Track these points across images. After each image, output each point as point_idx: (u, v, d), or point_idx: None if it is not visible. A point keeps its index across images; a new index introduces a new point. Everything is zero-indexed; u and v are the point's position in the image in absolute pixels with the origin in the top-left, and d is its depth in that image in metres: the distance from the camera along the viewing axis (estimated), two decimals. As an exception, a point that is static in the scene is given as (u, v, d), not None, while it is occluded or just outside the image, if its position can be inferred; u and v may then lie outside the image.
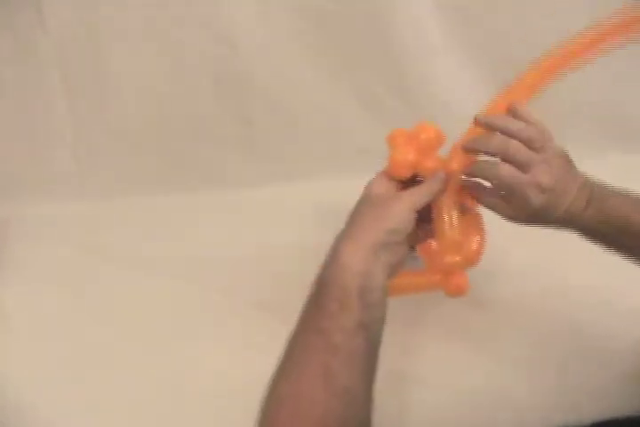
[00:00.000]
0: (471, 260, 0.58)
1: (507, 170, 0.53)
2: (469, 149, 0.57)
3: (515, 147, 0.53)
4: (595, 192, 0.55)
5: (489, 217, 0.57)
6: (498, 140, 0.54)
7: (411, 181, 0.58)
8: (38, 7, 0.75)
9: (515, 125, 0.54)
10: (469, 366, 0.62)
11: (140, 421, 0.59)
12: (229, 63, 0.83)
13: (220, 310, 0.70)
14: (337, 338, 0.46)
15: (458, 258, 0.58)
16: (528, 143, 0.54)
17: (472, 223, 0.59)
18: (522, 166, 0.53)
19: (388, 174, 0.57)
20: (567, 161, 0.55)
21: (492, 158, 0.55)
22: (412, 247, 0.57)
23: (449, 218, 0.57)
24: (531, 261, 0.73)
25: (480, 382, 0.61)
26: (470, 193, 0.58)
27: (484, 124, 0.56)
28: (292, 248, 0.77)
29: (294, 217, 0.82)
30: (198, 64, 0.83)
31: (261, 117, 0.87)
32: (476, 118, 0.57)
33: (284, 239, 0.79)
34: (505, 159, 0.54)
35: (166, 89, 0.83)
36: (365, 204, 0.55)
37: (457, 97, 0.90)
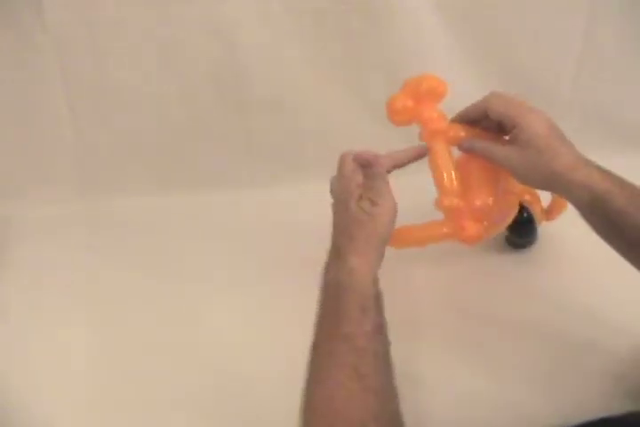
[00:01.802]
0: (475, 213, 0.60)
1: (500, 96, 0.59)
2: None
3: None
4: (598, 165, 0.56)
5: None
6: None
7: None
8: (38, 7, 0.75)
9: None
10: (468, 370, 0.62)
11: (140, 421, 0.59)
12: (229, 63, 0.83)
13: (220, 310, 0.70)
14: (361, 342, 0.49)
15: (456, 200, 0.58)
16: None
17: (502, 199, 0.62)
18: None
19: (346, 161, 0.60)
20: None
21: None
22: None
23: (444, 165, 0.60)
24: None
25: (479, 386, 0.61)
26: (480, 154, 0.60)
27: None
28: (292, 248, 0.77)
29: (294, 217, 0.82)
30: (198, 64, 0.83)
31: (261, 118, 0.87)
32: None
33: (284, 239, 0.79)
34: None
35: (166, 89, 0.83)
36: (349, 201, 0.57)
37: (457, 97, 0.90)
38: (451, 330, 0.66)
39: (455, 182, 0.60)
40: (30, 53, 0.78)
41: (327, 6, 0.81)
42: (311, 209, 0.83)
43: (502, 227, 0.67)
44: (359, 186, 0.58)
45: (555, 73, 0.92)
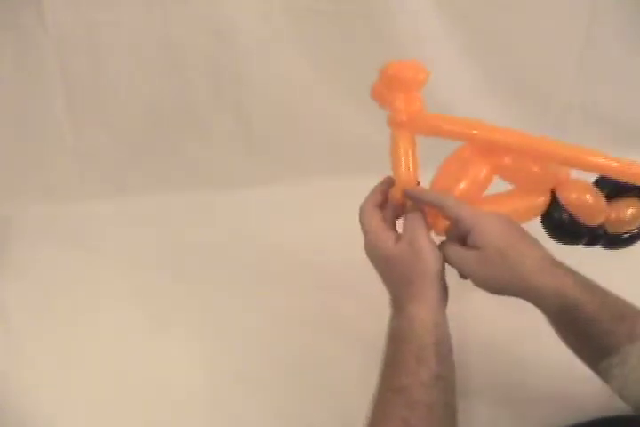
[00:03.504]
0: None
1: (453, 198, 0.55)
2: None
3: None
4: (570, 268, 0.52)
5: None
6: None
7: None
8: (39, 7, 0.75)
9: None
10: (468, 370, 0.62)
11: (141, 421, 0.59)
12: (229, 63, 0.83)
13: (220, 311, 0.70)
14: (416, 394, 0.48)
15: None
16: None
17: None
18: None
19: (370, 207, 0.57)
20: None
21: None
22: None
23: (402, 157, 0.58)
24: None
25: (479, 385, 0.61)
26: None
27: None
28: (292, 248, 0.77)
29: (294, 217, 0.82)
30: (198, 64, 0.83)
31: (261, 117, 0.87)
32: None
33: (284, 239, 0.79)
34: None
35: (166, 89, 0.83)
36: (388, 257, 0.54)
37: (457, 97, 0.90)
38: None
39: (412, 174, 0.58)
40: (30, 53, 0.78)
41: (327, 6, 0.81)
42: (311, 209, 0.83)
43: None
44: (383, 222, 0.56)
45: (555, 73, 0.92)
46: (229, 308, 0.70)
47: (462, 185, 0.59)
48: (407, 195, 0.57)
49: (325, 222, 0.79)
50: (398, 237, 0.54)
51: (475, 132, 0.59)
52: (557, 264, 0.51)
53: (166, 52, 0.81)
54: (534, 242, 0.53)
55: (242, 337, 0.67)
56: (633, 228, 0.66)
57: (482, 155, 0.61)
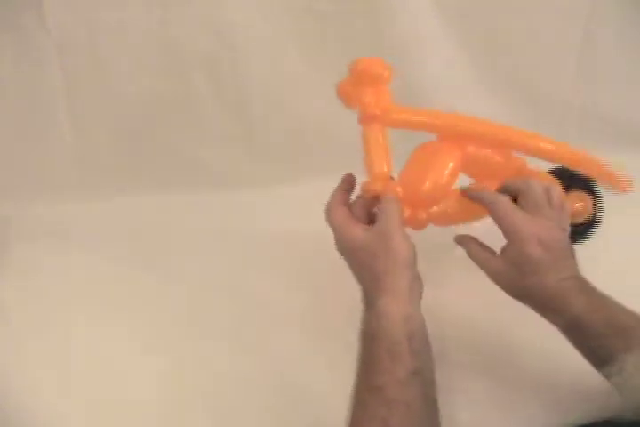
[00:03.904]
0: (414, 199, 0.59)
1: (506, 202, 0.55)
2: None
3: (535, 186, 0.56)
4: (587, 286, 0.54)
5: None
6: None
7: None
8: (39, 7, 0.75)
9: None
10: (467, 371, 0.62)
11: (140, 421, 0.59)
12: (229, 63, 0.83)
13: (221, 311, 0.70)
14: (392, 392, 0.47)
15: (380, 186, 0.58)
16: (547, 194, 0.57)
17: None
18: (530, 208, 0.55)
19: (335, 205, 0.58)
20: (570, 247, 0.56)
21: None
22: None
23: (375, 150, 0.59)
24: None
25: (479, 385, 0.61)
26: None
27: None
28: (291, 248, 0.77)
29: (294, 217, 0.82)
30: (198, 64, 0.83)
31: (261, 117, 0.87)
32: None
33: (284, 239, 0.79)
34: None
35: (166, 89, 0.83)
36: (356, 249, 0.54)
37: (457, 96, 0.90)
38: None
39: (385, 168, 0.59)
40: (31, 54, 0.78)
41: (327, 6, 0.81)
42: (311, 209, 0.83)
43: (455, 221, 0.65)
44: (349, 217, 0.56)
45: (555, 73, 0.92)
46: (229, 308, 0.70)
47: (430, 178, 0.60)
48: (464, 192, 0.59)
49: (325, 223, 0.79)
50: (367, 229, 0.54)
51: (438, 121, 0.60)
52: (572, 286, 0.53)
53: (166, 52, 0.81)
54: (562, 260, 0.54)
55: (241, 336, 0.67)
56: (580, 220, 0.71)
57: (449, 147, 0.61)
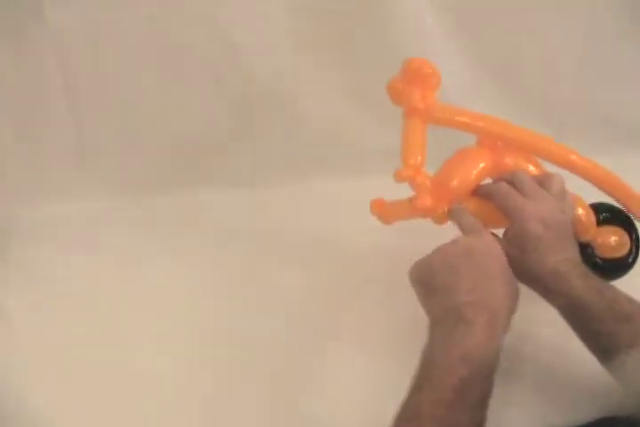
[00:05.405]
0: (441, 192, 0.60)
1: (508, 187, 0.57)
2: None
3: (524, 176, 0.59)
4: (589, 272, 0.55)
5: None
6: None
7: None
8: (39, 8, 0.75)
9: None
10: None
11: (141, 421, 0.59)
12: (229, 63, 0.83)
13: (221, 311, 0.70)
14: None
15: (411, 174, 0.58)
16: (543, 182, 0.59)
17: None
18: (527, 194, 0.57)
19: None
20: (571, 233, 0.58)
21: None
22: None
23: (412, 141, 0.60)
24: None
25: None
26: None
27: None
28: (291, 248, 0.77)
29: (294, 217, 0.82)
30: (198, 64, 0.83)
31: (261, 117, 0.87)
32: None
33: (284, 240, 0.79)
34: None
35: (166, 89, 0.83)
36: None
37: (457, 97, 0.90)
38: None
39: (419, 158, 0.60)
40: (30, 53, 0.78)
41: (327, 6, 0.81)
42: (311, 209, 0.83)
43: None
44: None
45: (555, 73, 0.92)
46: (229, 308, 0.71)
47: (459, 173, 0.62)
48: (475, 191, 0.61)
49: (325, 223, 0.79)
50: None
51: (481, 124, 0.62)
52: (573, 269, 0.54)
53: (167, 52, 0.81)
54: (561, 243, 0.56)
55: (241, 336, 0.67)
56: (619, 255, 0.70)
57: (487, 151, 0.63)
